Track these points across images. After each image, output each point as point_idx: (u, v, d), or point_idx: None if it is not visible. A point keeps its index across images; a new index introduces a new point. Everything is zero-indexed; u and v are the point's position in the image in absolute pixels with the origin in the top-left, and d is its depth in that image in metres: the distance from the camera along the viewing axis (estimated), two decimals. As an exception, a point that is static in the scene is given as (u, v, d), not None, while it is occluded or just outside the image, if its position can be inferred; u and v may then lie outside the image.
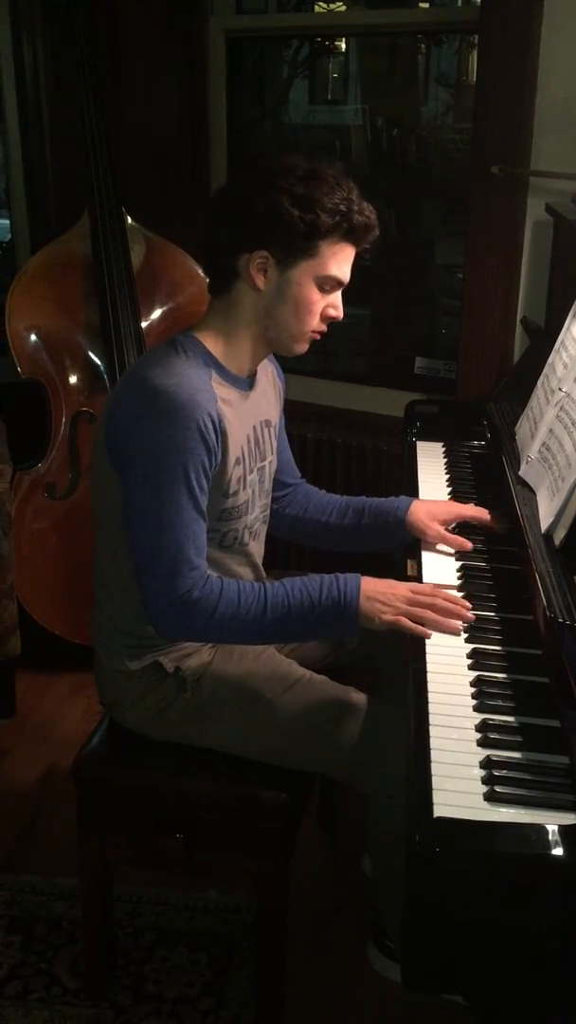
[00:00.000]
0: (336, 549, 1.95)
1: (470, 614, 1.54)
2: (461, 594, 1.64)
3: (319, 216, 1.52)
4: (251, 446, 1.68)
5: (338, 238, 1.56)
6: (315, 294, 1.59)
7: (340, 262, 1.59)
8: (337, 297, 1.63)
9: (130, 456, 1.53)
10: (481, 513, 1.87)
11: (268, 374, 1.80)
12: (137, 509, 1.53)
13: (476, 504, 1.98)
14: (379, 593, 1.56)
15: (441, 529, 1.82)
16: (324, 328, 1.64)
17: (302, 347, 1.66)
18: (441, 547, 1.81)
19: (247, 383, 1.68)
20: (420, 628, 1.51)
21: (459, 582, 1.69)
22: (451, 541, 1.80)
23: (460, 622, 1.53)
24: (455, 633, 1.51)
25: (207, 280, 1.66)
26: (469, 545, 1.78)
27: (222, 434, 1.56)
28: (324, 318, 1.63)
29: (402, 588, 1.58)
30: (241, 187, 1.59)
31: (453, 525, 1.86)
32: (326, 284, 1.59)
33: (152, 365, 1.56)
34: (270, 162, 1.58)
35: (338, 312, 1.63)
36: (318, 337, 1.65)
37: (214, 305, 1.65)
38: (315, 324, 1.62)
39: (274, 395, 1.82)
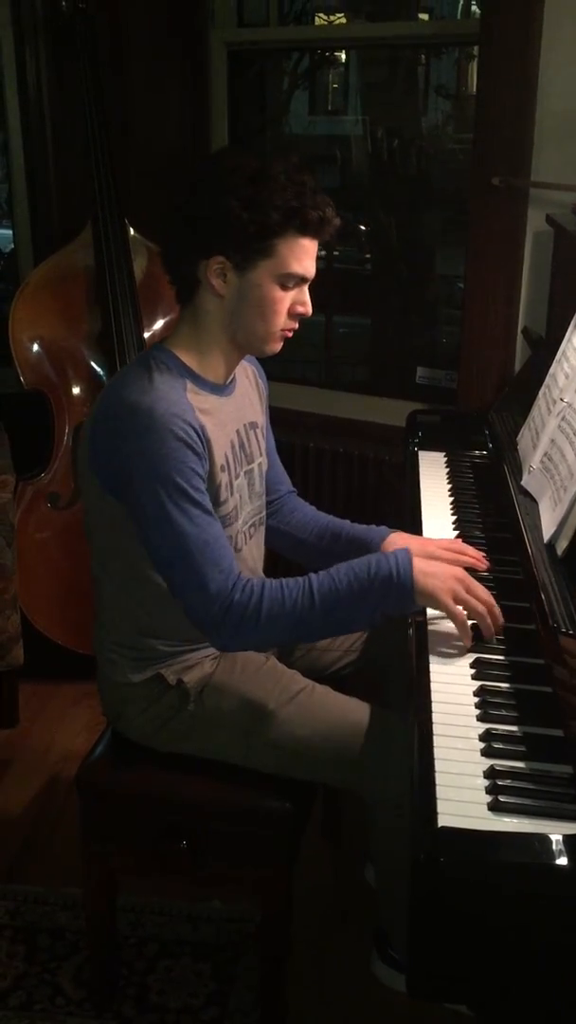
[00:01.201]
0: (309, 568, 1.91)
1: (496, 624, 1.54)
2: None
3: (269, 215, 1.50)
4: (236, 451, 1.68)
5: (293, 234, 1.53)
6: (277, 292, 1.57)
7: (300, 257, 1.56)
8: (303, 293, 1.60)
9: (123, 478, 1.52)
10: (460, 553, 1.70)
11: (249, 375, 1.79)
12: (148, 530, 1.52)
13: (478, 514, 1.99)
14: (436, 571, 1.53)
15: None
16: (295, 325, 1.62)
17: (274, 347, 1.64)
18: None
19: (225, 388, 1.68)
20: (469, 632, 1.49)
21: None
22: None
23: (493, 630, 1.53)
24: (491, 638, 1.51)
25: (174, 290, 1.64)
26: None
27: (205, 440, 1.55)
28: (292, 315, 1.61)
29: (459, 570, 1.56)
30: (191, 194, 1.56)
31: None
32: (288, 281, 1.57)
33: (126, 384, 1.55)
34: (216, 165, 1.56)
35: (306, 308, 1.61)
36: (289, 335, 1.63)
37: (183, 315, 1.64)
38: (283, 323, 1.60)
39: (256, 396, 1.81)
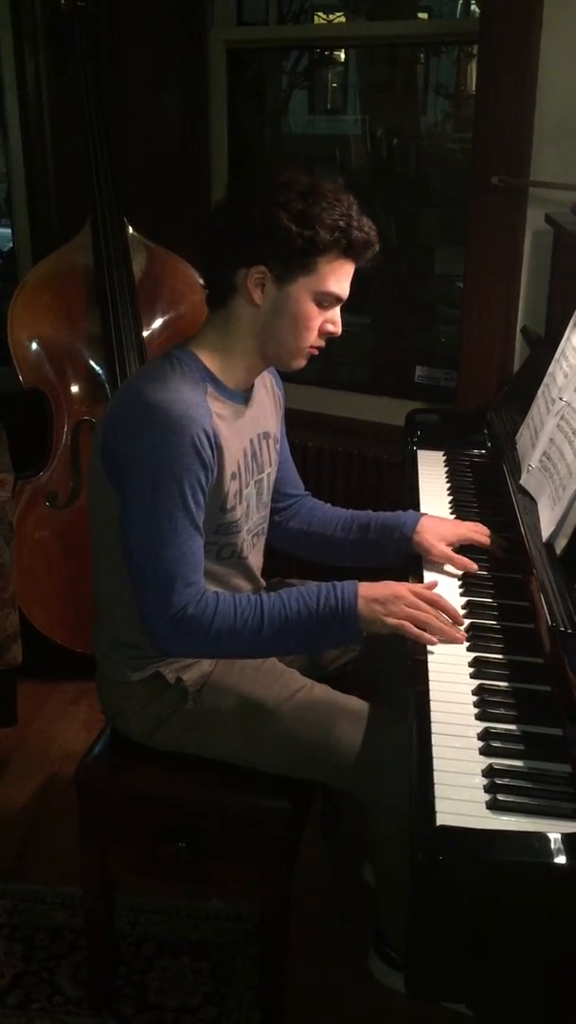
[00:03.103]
0: (339, 563, 1.93)
1: (463, 633, 1.54)
2: (464, 600, 1.64)
3: (317, 232, 1.52)
4: (248, 460, 1.68)
5: (336, 254, 1.56)
6: (313, 310, 1.58)
7: (339, 279, 1.58)
8: (336, 313, 1.62)
9: (126, 472, 1.53)
10: (485, 538, 1.83)
11: (267, 385, 1.80)
12: (133, 525, 1.53)
13: (477, 513, 1.99)
14: (378, 596, 1.55)
15: (447, 550, 1.79)
16: (322, 344, 1.64)
17: (299, 363, 1.65)
18: (445, 565, 1.80)
19: (244, 397, 1.68)
20: (425, 635, 1.51)
21: (460, 590, 1.69)
22: (456, 562, 1.77)
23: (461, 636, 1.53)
24: (457, 641, 1.52)
25: (205, 293, 1.66)
26: (475, 566, 1.75)
27: (218, 449, 1.56)
28: (322, 333, 1.62)
29: (401, 588, 1.57)
30: (240, 202, 1.58)
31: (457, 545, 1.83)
32: (324, 300, 1.59)
33: (147, 380, 1.56)
34: (269, 177, 1.58)
35: (336, 328, 1.63)
36: (316, 352, 1.65)
37: (212, 319, 1.65)
38: (313, 340, 1.62)
39: (272, 406, 1.82)
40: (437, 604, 1.56)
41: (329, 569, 1.85)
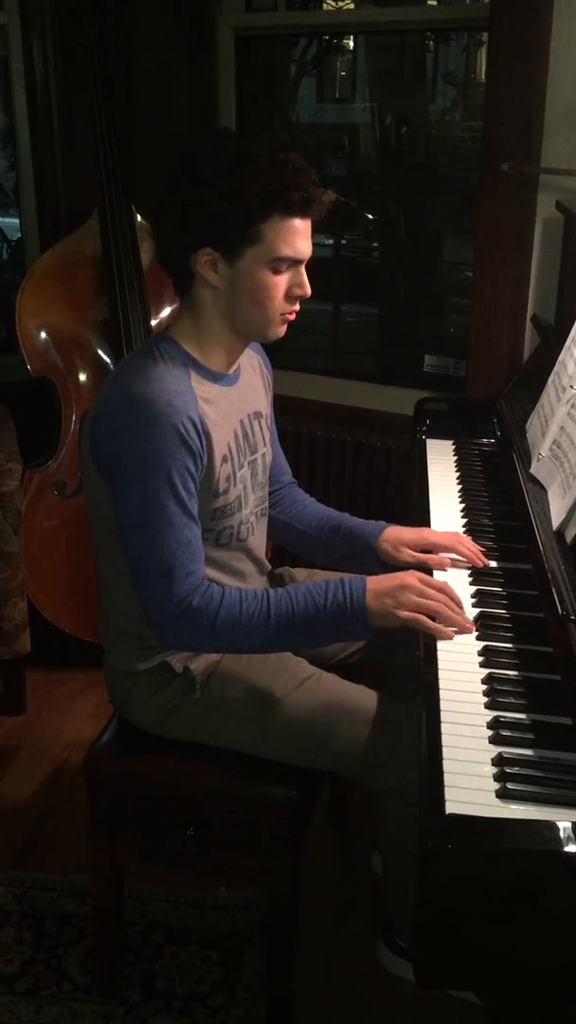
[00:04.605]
0: (312, 559, 1.94)
1: (472, 625, 1.52)
2: (473, 589, 1.64)
3: (250, 202, 1.48)
4: (239, 441, 1.67)
5: (278, 217, 1.50)
6: (270, 278, 1.54)
7: (289, 240, 1.52)
8: (300, 275, 1.57)
9: (115, 466, 1.52)
10: (454, 543, 1.74)
11: (254, 364, 1.79)
12: (127, 519, 1.53)
13: (486, 502, 1.98)
14: (388, 588, 1.54)
15: (412, 552, 1.75)
16: (295, 308, 1.60)
17: (276, 331, 1.61)
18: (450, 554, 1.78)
19: (229, 378, 1.67)
20: (440, 628, 1.50)
21: (470, 579, 1.68)
22: (427, 560, 1.72)
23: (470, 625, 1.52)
24: (468, 630, 1.51)
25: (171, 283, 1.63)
26: (446, 562, 1.72)
27: (206, 435, 1.55)
28: (291, 298, 1.58)
29: (409, 578, 1.56)
30: (174, 188, 1.54)
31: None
32: (280, 265, 1.54)
33: (129, 372, 1.55)
34: (196, 155, 1.55)
35: (304, 290, 1.58)
36: (292, 318, 1.61)
37: (182, 306, 1.64)
38: (281, 307, 1.58)
39: (262, 385, 1.81)
40: (447, 589, 1.56)
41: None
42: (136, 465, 1.49)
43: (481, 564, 1.71)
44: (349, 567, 1.82)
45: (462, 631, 1.51)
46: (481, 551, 1.74)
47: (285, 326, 1.62)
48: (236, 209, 1.48)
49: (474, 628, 1.52)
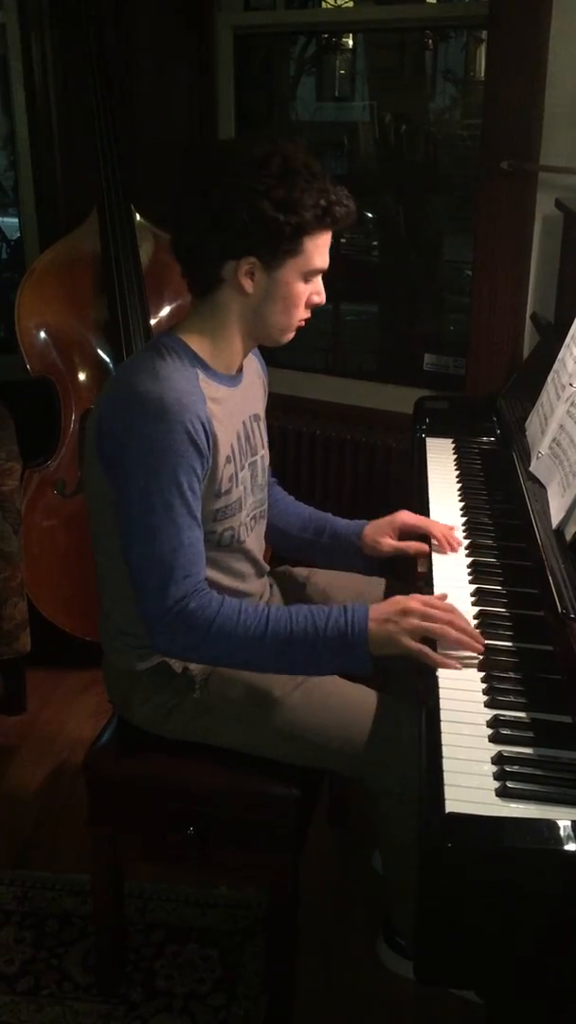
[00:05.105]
0: (294, 557, 1.96)
1: (481, 645, 1.46)
2: (473, 588, 1.64)
3: (303, 216, 1.50)
4: (241, 442, 1.67)
5: (320, 231, 1.54)
6: (301, 287, 1.57)
7: (322, 252, 1.57)
8: (319, 283, 1.61)
9: (121, 463, 1.51)
10: (428, 524, 1.84)
11: (253, 367, 1.79)
12: (129, 517, 1.52)
13: (486, 500, 1.98)
14: (389, 613, 1.49)
15: (392, 541, 1.85)
16: (309, 315, 1.63)
17: (289, 337, 1.65)
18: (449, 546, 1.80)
19: (235, 380, 1.67)
20: (445, 660, 1.43)
21: (470, 578, 1.68)
22: (407, 548, 1.83)
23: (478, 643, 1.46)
24: (475, 650, 1.44)
25: (186, 282, 1.63)
26: (426, 548, 1.79)
27: (212, 436, 1.55)
28: (309, 305, 1.61)
29: (411, 602, 1.50)
30: (218, 196, 1.52)
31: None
32: (311, 276, 1.58)
33: (137, 371, 1.54)
34: (238, 161, 1.53)
35: (321, 298, 1.61)
36: (303, 324, 1.64)
37: (197, 306, 1.62)
38: (302, 314, 1.61)
39: (260, 388, 1.82)
40: (452, 611, 1.50)
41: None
42: (142, 462, 1.49)
43: (449, 550, 1.79)
44: (335, 566, 1.90)
45: (470, 650, 1.45)
46: (452, 531, 1.83)
47: (295, 333, 1.65)
48: (291, 222, 1.50)
49: (482, 648, 1.45)
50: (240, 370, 1.69)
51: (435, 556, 1.77)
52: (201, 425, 1.51)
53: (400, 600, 1.51)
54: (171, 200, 1.62)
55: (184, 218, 1.57)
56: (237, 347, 1.64)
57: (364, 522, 1.90)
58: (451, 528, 1.84)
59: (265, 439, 1.80)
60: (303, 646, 1.49)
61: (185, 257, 1.61)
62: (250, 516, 1.74)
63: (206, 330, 1.61)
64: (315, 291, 1.60)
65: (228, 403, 1.63)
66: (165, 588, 1.49)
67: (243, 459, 1.68)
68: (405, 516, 1.88)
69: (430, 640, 1.47)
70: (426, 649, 1.45)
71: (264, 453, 1.79)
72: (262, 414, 1.80)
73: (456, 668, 1.42)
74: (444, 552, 1.78)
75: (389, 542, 1.86)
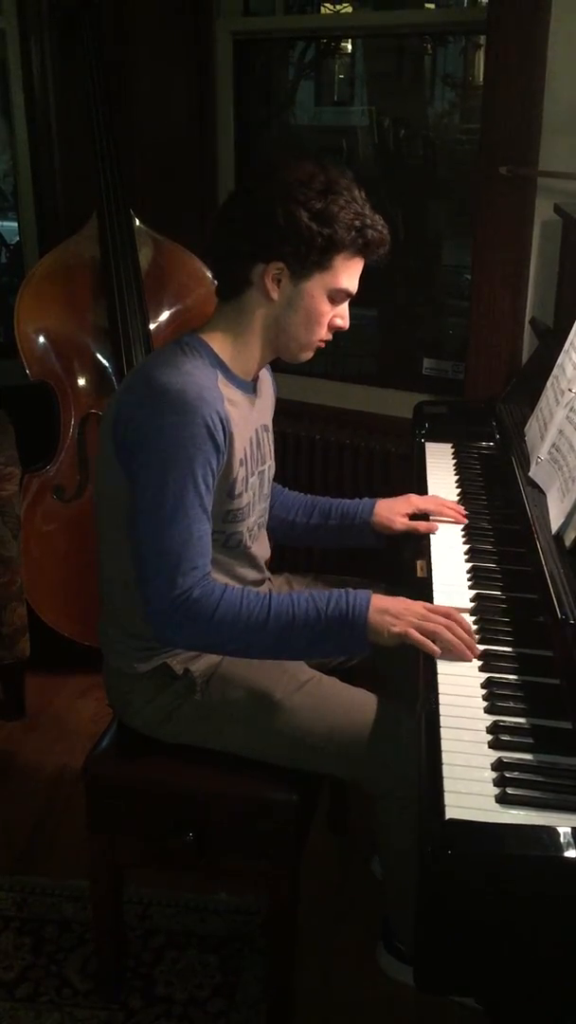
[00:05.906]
0: (298, 545, 2.01)
1: (478, 648, 1.47)
2: (472, 593, 1.64)
3: (336, 231, 1.54)
4: (253, 449, 1.69)
5: (352, 252, 1.59)
6: (325, 306, 1.61)
7: (351, 275, 1.62)
8: (344, 308, 1.65)
9: (138, 453, 1.53)
10: (440, 507, 1.93)
11: (266, 380, 1.81)
12: (141, 505, 1.53)
13: (485, 505, 1.98)
14: (390, 607, 1.52)
15: (406, 520, 1.91)
16: (329, 338, 1.66)
17: (307, 355, 1.68)
18: (449, 547, 1.80)
19: (252, 387, 1.69)
20: (429, 644, 1.46)
21: (469, 583, 1.68)
22: (417, 527, 1.88)
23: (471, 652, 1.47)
24: (466, 659, 1.45)
25: (215, 284, 1.67)
26: (436, 527, 1.87)
27: (229, 434, 1.56)
28: (331, 328, 1.65)
29: (416, 605, 1.54)
30: (259, 197, 1.58)
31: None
32: (336, 296, 1.62)
33: (160, 364, 1.56)
34: (286, 173, 1.58)
35: (344, 323, 1.66)
36: (323, 346, 1.67)
37: (222, 309, 1.65)
38: (323, 334, 1.64)
39: (270, 400, 1.84)
40: (451, 617, 1.51)
41: (336, 561, 1.86)
42: (160, 452, 1.50)
43: (464, 521, 1.90)
44: (345, 544, 1.96)
45: (462, 657, 1.45)
46: (463, 511, 1.92)
47: (313, 353, 1.68)
48: (324, 234, 1.54)
49: (476, 655, 1.45)
50: (256, 379, 1.71)
51: (435, 560, 1.77)
52: (220, 421, 1.52)
53: (405, 600, 1.56)
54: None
55: (226, 214, 1.62)
56: (256, 354, 1.66)
57: (372, 500, 1.95)
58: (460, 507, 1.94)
59: (272, 451, 1.82)
60: (305, 629, 1.52)
61: (218, 254, 1.64)
62: (256, 523, 1.75)
63: (229, 333, 1.63)
64: (339, 314, 1.64)
65: (243, 408, 1.64)
66: (172, 579, 1.50)
67: (254, 466, 1.70)
68: (417, 500, 1.95)
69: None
70: (411, 631, 1.48)
71: (271, 464, 1.81)
72: (271, 426, 1.82)
73: (437, 654, 1.45)
74: (462, 522, 1.90)
75: (403, 520, 1.91)
